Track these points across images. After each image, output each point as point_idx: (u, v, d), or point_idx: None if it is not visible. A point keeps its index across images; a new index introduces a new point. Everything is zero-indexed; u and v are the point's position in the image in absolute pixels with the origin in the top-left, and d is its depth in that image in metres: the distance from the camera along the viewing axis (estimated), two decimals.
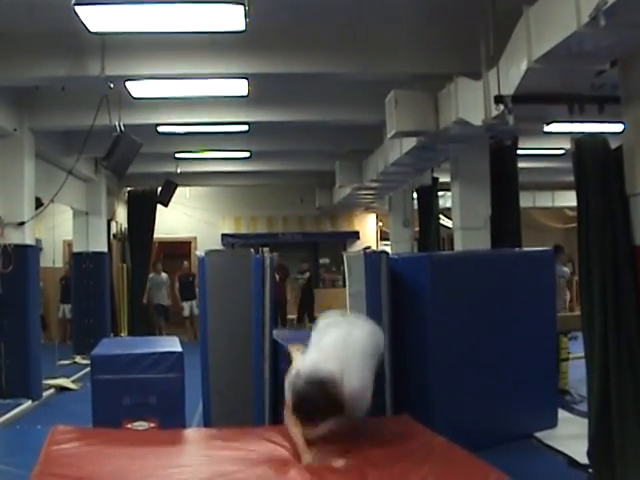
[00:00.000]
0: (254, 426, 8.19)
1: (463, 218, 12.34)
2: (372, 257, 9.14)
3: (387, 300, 8.90)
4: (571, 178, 7.40)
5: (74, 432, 7.27)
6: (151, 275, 21.55)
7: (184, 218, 23.85)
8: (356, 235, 25.12)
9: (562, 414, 9.72)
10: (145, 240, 21.43)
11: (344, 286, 9.77)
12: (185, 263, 23.03)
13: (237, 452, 6.60)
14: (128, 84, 10.37)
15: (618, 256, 7.03)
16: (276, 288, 17.09)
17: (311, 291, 23.47)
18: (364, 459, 6.15)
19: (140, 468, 6.24)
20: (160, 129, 13.77)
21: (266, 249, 8.94)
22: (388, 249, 19.46)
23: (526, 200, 19.07)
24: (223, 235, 24.36)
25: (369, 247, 19.70)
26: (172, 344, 8.88)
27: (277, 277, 19.77)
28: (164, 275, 22.03)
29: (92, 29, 8.12)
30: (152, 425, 7.91)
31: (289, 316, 22.84)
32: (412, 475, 5.78)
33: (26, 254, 12.25)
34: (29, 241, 12.47)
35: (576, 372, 10.35)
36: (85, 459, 6.48)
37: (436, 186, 16.11)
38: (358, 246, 23.47)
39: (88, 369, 8.70)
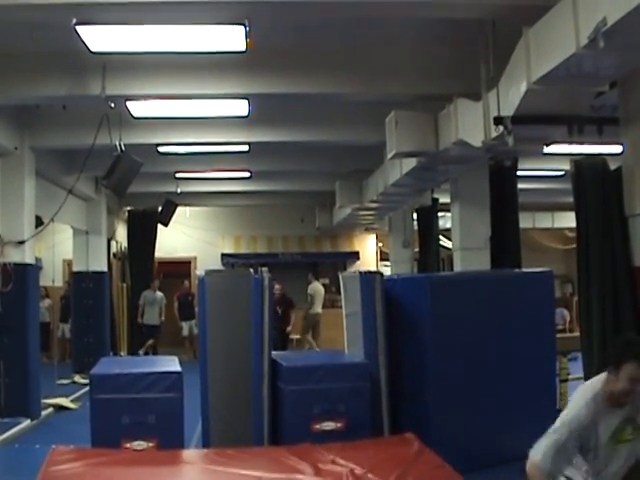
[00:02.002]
0: (253, 446, 8.21)
1: (463, 239, 12.35)
2: (367, 278, 9.16)
3: (382, 320, 8.92)
4: (571, 199, 7.45)
5: (73, 452, 7.29)
6: (145, 292, 21.33)
7: (184, 238, 23.85)
8: (356, 255, 25.08)
9: None
10: (145, 259, 21.43)
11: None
12: (185, 283, 22.99)
13: (236, 473, 6.64)
14: (129, 104, 10.39)
15: (617, 276, 7.06)
16: (277, 321, 15.93)
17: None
18: None
19: None
20: (160, 149, 13.80)
21: (265, 269, 8.91)
22: (388, 270, 19.50)
23: (526, 221, 19.09)
24: (223, 255, 24.31)
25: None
26: (171, 364, 8.88)
27: (279, 310, 18.19)
28: (159, 294, 21.78)
29: (93, 49, 8.16)
30: (151, 444, 7.89)
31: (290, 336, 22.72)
32: None
33: (26, 273, 12.25)
34: (29, 260, 12.47)
35: None
36: None
37: (436, 207, 16.13)
38: (358, 267, 23.45)
39: (87, 388, 8.68)
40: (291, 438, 7.99)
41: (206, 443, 8.47)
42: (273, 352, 8.91)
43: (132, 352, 20.23)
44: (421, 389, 8.69)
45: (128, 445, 7.82)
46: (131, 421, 7.89)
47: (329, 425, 8.07)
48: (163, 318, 21.70)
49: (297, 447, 7.43)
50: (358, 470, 6.55)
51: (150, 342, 21.06)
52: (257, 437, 8.39)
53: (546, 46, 6.60)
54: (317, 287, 22.52)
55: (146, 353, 20.30)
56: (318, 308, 22.19)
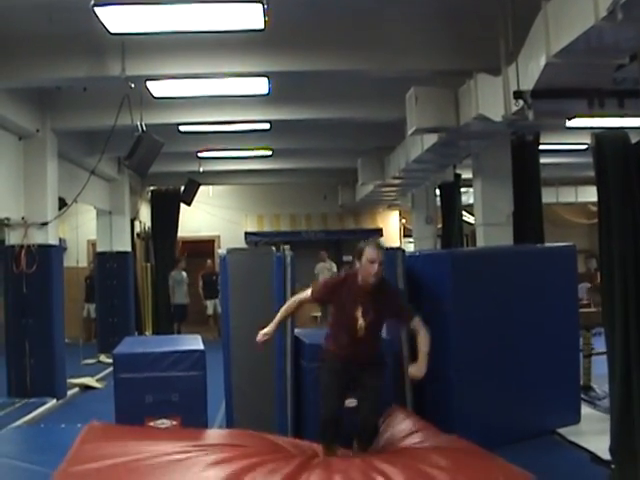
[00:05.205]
0: (276, 423, 8.25)
1: (485, 214, 12.30)
2: (389, 254, 9.15)
3: (404, 296, 8.91)
4: (594, 173, 7.38)
5: (107, 429, 7.38)
6: (173, 273, 21.57)
7: (207, 217, 23.93)
8: (379, 232, 25.04)
9: (585, 410, 9.68)
10: (169, 239, 21.51)
11: None
12: (209, 262, 23.09)
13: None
14: (149, 84, 10.41)
15: (639, 250, 7.00)
16: None
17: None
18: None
19: (165, 467, 6.31)
20: (182, 128, 13.81)
21: (287, 247, 8.94)
22: (411, 246, 19.49)
23: (549, 196, 19.00)
24: (246, 233, 24.39)
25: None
26: (194, 342, 8.94)
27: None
28: (184, 273, 22.07)
29: (112, 30, 8.16)
30: (174, 423, 7.96)
31: (312, 314, 22.73)
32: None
33: (49, 254, 12.33)
34: (52, 241, 12.55)
35: (600, 368, 10.30)
36: (118, 456, 6.55)
37: (458, 182, 16.07)
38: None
39: (112, 368, 8.76)
40: (314, 416, 8.01)
41: (229, 421, 8.52)
42: (296, 330, 8.92)
43: (158, 331, 20.39)
44: (444, 366, 8.67)
45: (152, 423, 7.90)
46: (154, 400, 7.97)
47: (352, 402, 8.07)
48: (188, 299, 22.00)
49: None
50: None
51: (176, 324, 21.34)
52: (280, 415, 8.42)
53: (565, 19, 6.55)
54: (321, 267, 22.57)
55: (178, 332, 20.53)
56: None
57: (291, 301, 7.63)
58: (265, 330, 7.42)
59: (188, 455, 6.47)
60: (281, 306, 7.74)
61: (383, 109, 12.60)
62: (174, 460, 6.36)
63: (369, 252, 7.16)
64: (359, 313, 7.16)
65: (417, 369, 7.14)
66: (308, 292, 7.46)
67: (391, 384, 8.39)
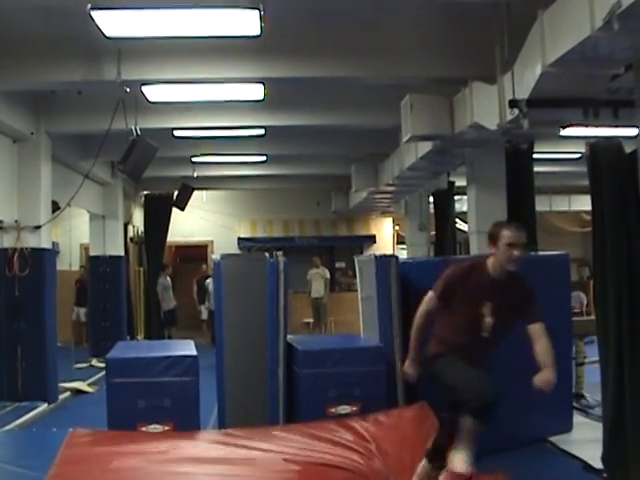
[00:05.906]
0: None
1: (479, 222, 12.27)
2: (383, 261, 9.15)
3: (397, 304, 8.90)
4: (587, 182, 7.40)
5: (91, 435, 7.36)
6: (160, 279, 21.51)
7: (201, 222, 23.94)
8: (372, 239, 25.12)
9: (577, 418, 9.67)
10: (161, 244, 21.48)
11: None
12: (203, 266, 23.07)
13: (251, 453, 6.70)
14: (144, 88, 10.40)
15: (633, 260, 7.02)
16: None
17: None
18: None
19: (155, 472, 6.32)
20: (176, 133, 13.82)
21: (280, 253, 8.99)
22: (405, 253, 19.49)
23: (542, 204, 19.00)
24: (239, 239, 24.40)
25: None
26: (187, 347, 8.91)
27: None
28: (168, 279, 22.00)
29: (108, 34, 8.17)
30: (167, 428, 7.93)
31: (304, 320, 22.76)
32: None
33: (42, 257, 12.33)
34: (45, 244, 12.55)
35: (592, 376, 10.31)
36: (101, 462, 6.56)
37: (452, 190, 16.05)
38: (374, 250, 23.44)
39: (104, 372, 8.74)
40: (307, 422, 8.01)
41: (222, 426, 8.50)
42: (289, 336, 8.92)
43: (150, 336, 20.36)
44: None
45: (144, 429, 7.87)
46: (147, 405, 7.94)
47: (345, 409, 8.09)
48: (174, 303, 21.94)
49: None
50: None
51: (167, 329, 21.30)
52: (273, 421, 8.41)
53: (561, 29, 6.57)
54: (314, 273, 22.63)
55: (169, 337, 20.50)
56: (315, 293, 22.35)
57: (418, 317, 6.38)
58: (407, 364, 6.51)
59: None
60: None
61: (378, 116, 12.62)
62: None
63: (508, 234, 6.30)
64: (487, 310, 6.14)
65: (544, 378, 6.45)
66: (429, 295, 6.29)
67: (384, 390, 8.39)
